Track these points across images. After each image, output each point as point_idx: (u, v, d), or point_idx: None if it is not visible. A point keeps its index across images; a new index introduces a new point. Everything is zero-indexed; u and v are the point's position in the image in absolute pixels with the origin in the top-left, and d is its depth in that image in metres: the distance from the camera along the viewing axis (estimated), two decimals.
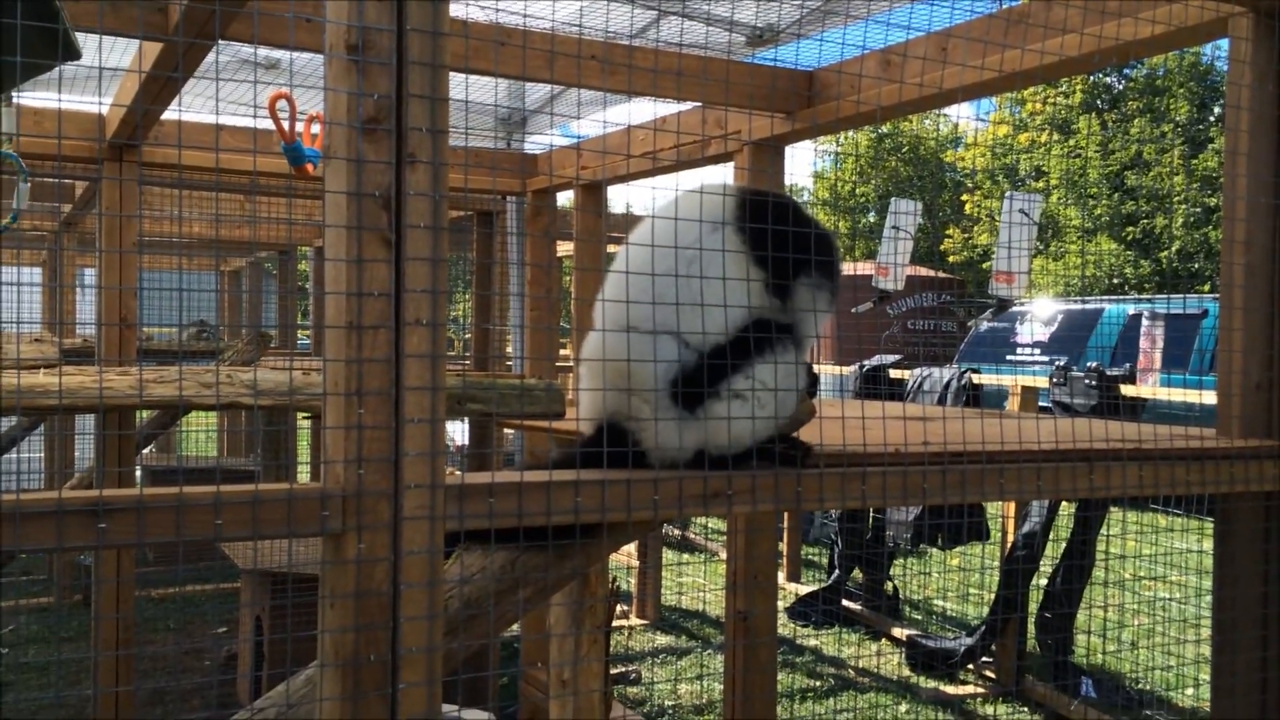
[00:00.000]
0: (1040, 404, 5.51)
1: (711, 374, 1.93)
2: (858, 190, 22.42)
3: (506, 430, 5.42)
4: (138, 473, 5.53)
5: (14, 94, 2.36)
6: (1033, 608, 5.30)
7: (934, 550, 7.18)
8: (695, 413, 1.94)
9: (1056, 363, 7.07)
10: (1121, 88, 21.24)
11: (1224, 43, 2.59)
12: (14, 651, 5.44)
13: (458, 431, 7.05)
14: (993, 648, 5.30)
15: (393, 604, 1.59)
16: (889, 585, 6.37)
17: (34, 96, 3.74)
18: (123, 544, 1.52)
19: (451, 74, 1.65)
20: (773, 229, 2.00)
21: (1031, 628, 5.29)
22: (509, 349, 5.93)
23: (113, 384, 2.76)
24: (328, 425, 1.60)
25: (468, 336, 6.08)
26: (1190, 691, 5.12)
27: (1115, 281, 18.47)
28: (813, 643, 5.86)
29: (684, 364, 1.94)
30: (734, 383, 1.94)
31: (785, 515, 6.96)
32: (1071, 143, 20.13)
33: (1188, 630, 5.60)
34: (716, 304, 1.93)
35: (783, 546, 7.23)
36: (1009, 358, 12.00)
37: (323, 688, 1.59)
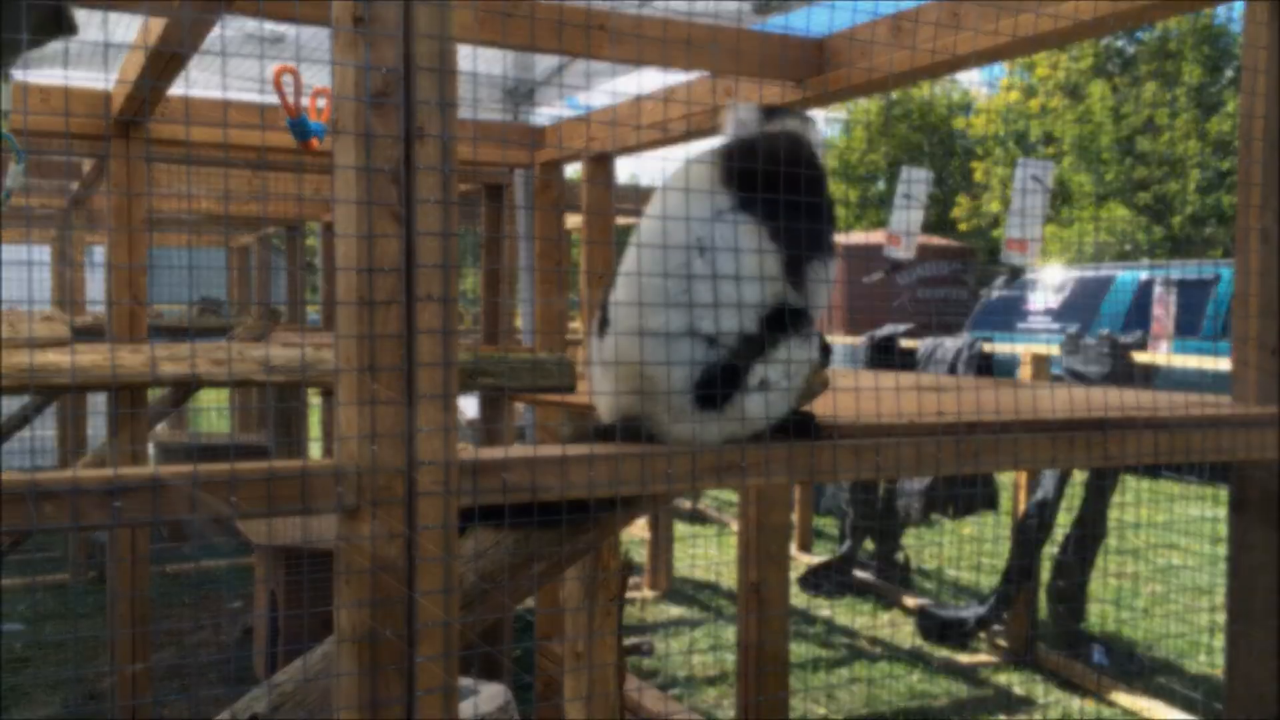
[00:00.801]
0: (1053, 372, 5.49)
1: (734, 366, 1.91)
2: (868, 158, 22.28)
3: (518, 405, 5.42)
4: (151, 450, 5.55)
5: (14, 71, 2.34)
6: (1045, 576, 5.31)
7: (946, 520, 7.18)
8: (717, 405, 1.92)
9: (1068, 330, 7.04)
10: (1133, 52, 21.06)
11: (1238, 5, 2.55)
12: (31, 628, 5.49)
13: (469, 405, 7.07)
14: (1004, 616, 5.31)
15: (408, 579, 1.59)
16: (900, 555, 6.38)
17: (40, 74, 3.73)
18: (138, 522, 1.52)
19: (458, 45, 1.63)
20: (769, 199, 1.96)
21: (1043, 596, 5.29)
22: (519, 323, 5.92)
23: (125, 361, 2.77)
24: (341, 401, 1.60)
25: (477, 310, 6.07)
26: (1203, 658, 5.12)
27: (1127, 248, 18.36)
28: (825, 613, 5.87)
29: (703, 357, 1.92)
30: (754, 370, 1.92)
31: (797, 486, 6.97)
32: (1082, 108, 19.98)
33: (1200, 598, 5.60)
34: (732, 295, 1.91)
35: (794, 517, 7.24)
36: (1020, 326, 11.95)
37: (340, 663, 1.60)
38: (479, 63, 4.48)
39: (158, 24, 2.77)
